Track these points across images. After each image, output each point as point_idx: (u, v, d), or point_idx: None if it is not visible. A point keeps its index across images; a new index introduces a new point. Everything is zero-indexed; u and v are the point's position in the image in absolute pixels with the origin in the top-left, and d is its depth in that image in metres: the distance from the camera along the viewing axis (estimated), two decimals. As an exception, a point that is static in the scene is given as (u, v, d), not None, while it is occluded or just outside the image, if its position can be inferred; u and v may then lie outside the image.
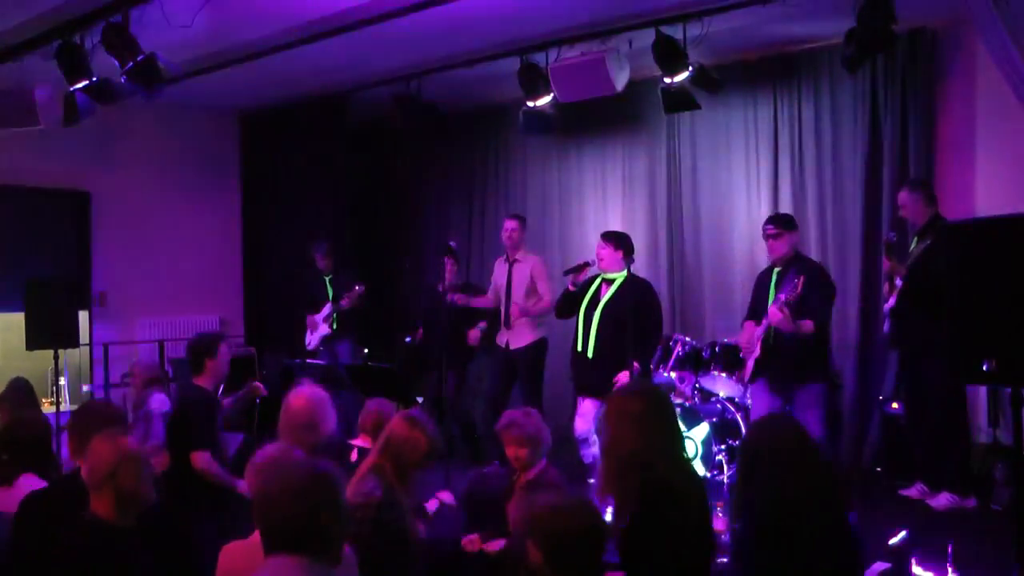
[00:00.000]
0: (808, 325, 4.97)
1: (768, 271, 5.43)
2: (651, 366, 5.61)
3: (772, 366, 5.18)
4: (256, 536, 2.64)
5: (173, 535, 2.99)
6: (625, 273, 5.49)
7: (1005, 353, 2.87)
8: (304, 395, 3.53)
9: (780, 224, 5.32)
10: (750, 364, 5.28)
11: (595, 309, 5.46)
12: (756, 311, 5.40)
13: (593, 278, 5.66)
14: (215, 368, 4.75)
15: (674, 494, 2.68)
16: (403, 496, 3.14)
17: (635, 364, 5.21)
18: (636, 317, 5.23)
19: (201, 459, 4.20)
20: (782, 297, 4.90)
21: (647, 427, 2.75)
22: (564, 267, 5.97)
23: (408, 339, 7.23)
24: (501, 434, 3.58)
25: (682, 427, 5.75)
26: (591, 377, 5.45)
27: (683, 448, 2.99)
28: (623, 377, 5.20)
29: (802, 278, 4.81)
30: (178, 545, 3.01)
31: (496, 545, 3.48)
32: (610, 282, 5.52)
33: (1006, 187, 5.75)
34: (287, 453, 2.93)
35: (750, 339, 5.30)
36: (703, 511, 2.81)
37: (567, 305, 5.70)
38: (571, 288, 5.64)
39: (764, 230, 5.38)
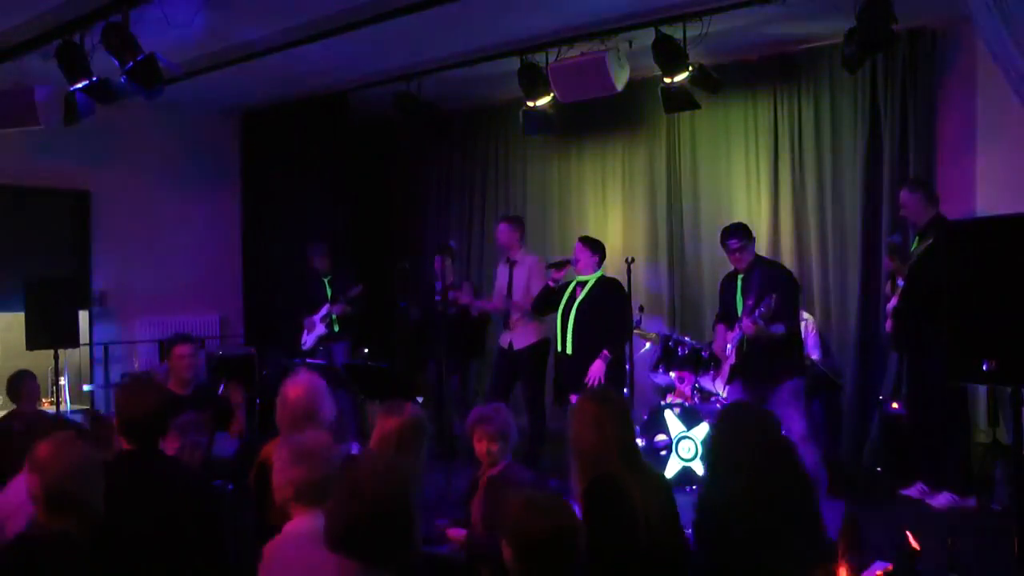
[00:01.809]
0: (779, 328, 5.04)
1: (732, 276, 5.48)
2: (622, 357, 5.76)
3: (747, 370, 5.25)
4: (292, 526, 2.60)
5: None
6: (597, 275, 5.80)
7: (1005, 353, 2.87)
8: (301, 384, 3.41)
9: (743, 237, 5.33)
10: (726, 370, 5.38)
11: (571, 309, 5.72)
12: (727, 315, 5.49)
13: (569, 281, 5.86)
14: (172, 367, 4.75)
15: (616, 490, 2.83)
16: None
17: (605, 352, 5.54)
18: (607, 313, 5.64)
19: None
20: (756, 313, 4.94)
21: (603, 428, 2.94)
22: None
23: (412, 316, 7.19)
24: (472, 428, 3.54)
25: (682, 427, 5.80)
26: (574, 375, 5.63)
27: (636, 451, 3.05)
28: (596, 366, 5.52)
29: (775, 296, 4.86)
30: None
31: (457, 533, 3.47)
32: (583, 284, 5.77)
33: (1006, 187, 5.75)
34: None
35: (723, 345, 5.39)
36: (653, 508, 2.86)
37: (545, 302, 5.94)
38: (551, 284, 5.87)
39: (727, 245, 5.37)
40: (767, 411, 3.06)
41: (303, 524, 2.58)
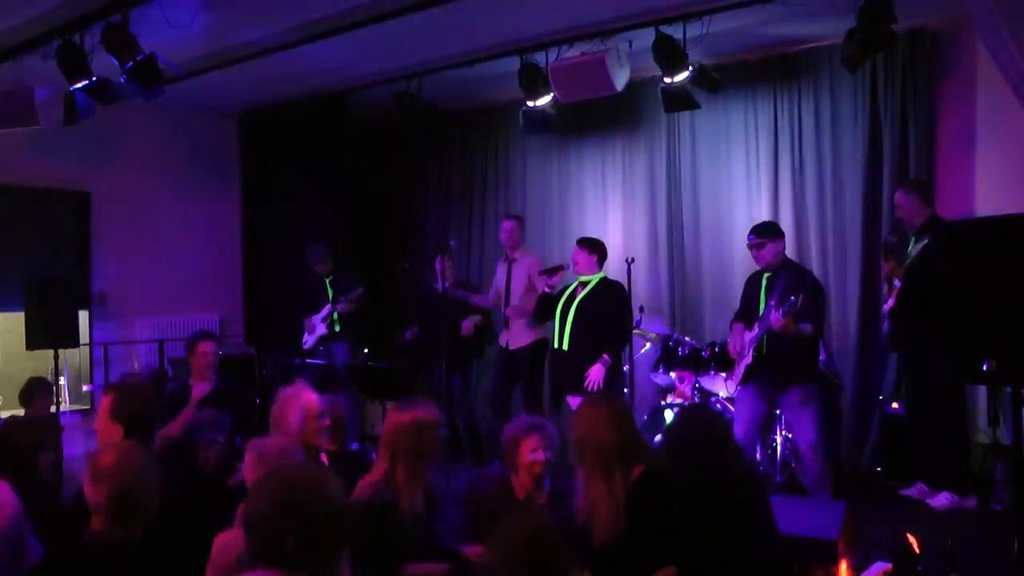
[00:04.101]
0: (807, 328, 5.00)
1: (758, 275, 5.43)
2: (620, 361, 5.77)
3: (764, 372, 5.21)
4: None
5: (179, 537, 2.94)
6: (599, 276, 5.79)
7: (1005, 353, 2.87)
8: (286, 391, 3.59)
9: (763, 233, 5.32)
10: (741, 369, 5.33)
11: (570, 307, 5.71)
12: (747, 315, 5.44)
13: (569, 283, 5.86)
14: (195, 365, 4.79)
15: (667, 480, 2.94)
16: (410, 498, 3.09)
17: (605, 356, 5.52)
18: (606, 314, 5.63)
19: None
20: (785, 307, 4.88)
21: (622, 427, 3.01)
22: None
23: (408, 335, 7.22)
24: (524, 436, 3.36)
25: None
26: (570, 373, 5.63)
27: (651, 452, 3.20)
28: (595, 370, 5.49)
29: (801, 297, 4.83)
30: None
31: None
32: (585, 284, 5.77)
33: (1005, 187, 5.75)
34: (286, 451, 2.89)
35: (741, 345, 5.33)
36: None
37: (544, 309, 5.93)
38: (547, 290, 5.88)
39: (748, 240, 5.39)
40: (719, 415, 3.16)
41: None
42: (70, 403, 7.53)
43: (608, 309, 5.64)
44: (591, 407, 3.12)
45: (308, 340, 7.49)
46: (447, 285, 6.57)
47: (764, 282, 5.31)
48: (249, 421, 4.96)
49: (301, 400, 3.51)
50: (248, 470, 2.87)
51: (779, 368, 5.11)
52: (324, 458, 3.68)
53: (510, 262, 6.58)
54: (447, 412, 6.71)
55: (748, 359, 5.22)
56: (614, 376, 5.63)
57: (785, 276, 5.16)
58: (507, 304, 6.53)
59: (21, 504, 2.99)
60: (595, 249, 5.81)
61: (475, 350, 6.95)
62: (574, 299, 5.71)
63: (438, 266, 6.57)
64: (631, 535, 2.85)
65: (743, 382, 5.30)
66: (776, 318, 4.90)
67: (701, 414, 3.12)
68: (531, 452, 3.36)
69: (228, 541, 2.63)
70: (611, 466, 2.95)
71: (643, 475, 2.94)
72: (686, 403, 6.11)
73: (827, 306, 6.49)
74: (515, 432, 3.42)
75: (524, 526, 2.26)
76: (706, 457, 2.94)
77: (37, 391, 5.28)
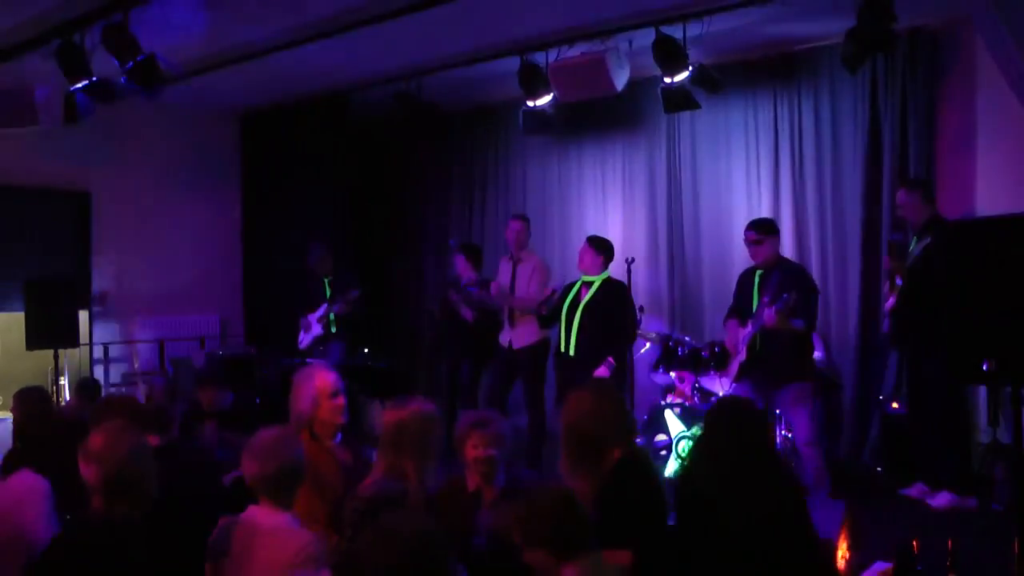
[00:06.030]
0: (799, 324, 5.00)
1: (751, 272, 5.45)
2: (624, 361, 5.76)
3: (758, 368, 5.22)
4: (248, 513, 2.69)
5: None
6: (603, 276, 5.77)
7: (1005, 353, 2.87)
8: (301, 372, 3.60)
9: (762, 230, 5.33)
10: (735, 366, 5.35)
11: (576, 310, 5.69)
12: (740, 311, 5.45)
13: (573, 283, 5.86)
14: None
15: (645, 468, 3.01)
16: (416, 494, 3.10)
17: (610, 359, 5.52)
18: (611, 316, 5.61)
19: None
20: (777, 305, 4.89)
21: (606, 417, 3.05)
22: (563, 266, 6.08)
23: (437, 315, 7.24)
24: (467, 433, 3.33)
25: (682, 426, 5.80)
26: (575, 377, 5.55)
27: (635, 434, 3.20)
28: (600, 373, 5.48)
29: (794, 294, 4.83)
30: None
31: None
32: (589, 284, 5.75)
33: (1006, 186, 5.74)
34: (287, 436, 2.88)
35: (735, 341, 5.35)
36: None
37: (550, 316, 5.97)
38: (544, 313, 5.95)
39: (745, 236, 5.39)
40: (760, 410, 3.11)
41: (259, 514, 2.68)
42: (70, 403, 7.53)
43: (613, 311, 5.63)
44: (576, 397, 3.16)
45: (304, 340, 7.49)
46: (464, 282, 6.71)
47: (757, 279, 5.33)
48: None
49: (314, 380, 3.50)
50: (245, 465, 2.85)
51: (773, 365, 5.12)
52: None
53: (515, 262, 6.58)
54: (451, 408, 6.75)
55: (742, 356, 5.25)
56: (618, 378, 5.62)
57: (779, 274, 5.17)
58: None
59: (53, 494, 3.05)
60: (601, 249, 5.79)
61: (485, 342, 6.92)
62: (579, 301, 5.70)
63: (459, 265, 6.84)
64: (602, 523, 2.80)
65: (737, 379, 5.33)
66: (769, 315, 4.92)
67: (741, 407, 3.05)
68: (473, 448, 3.32)
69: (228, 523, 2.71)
70: (587, 455, 3.01)
71: (619, 462, 2.97)
72: (685, 402, 6.11)
73: (827, 306, 6.54)
74: (461, 429, 3.40)
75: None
76: (746, 454, 2.85)
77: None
